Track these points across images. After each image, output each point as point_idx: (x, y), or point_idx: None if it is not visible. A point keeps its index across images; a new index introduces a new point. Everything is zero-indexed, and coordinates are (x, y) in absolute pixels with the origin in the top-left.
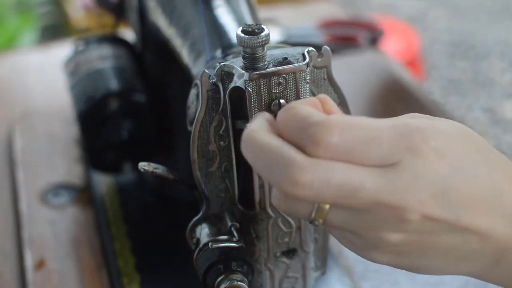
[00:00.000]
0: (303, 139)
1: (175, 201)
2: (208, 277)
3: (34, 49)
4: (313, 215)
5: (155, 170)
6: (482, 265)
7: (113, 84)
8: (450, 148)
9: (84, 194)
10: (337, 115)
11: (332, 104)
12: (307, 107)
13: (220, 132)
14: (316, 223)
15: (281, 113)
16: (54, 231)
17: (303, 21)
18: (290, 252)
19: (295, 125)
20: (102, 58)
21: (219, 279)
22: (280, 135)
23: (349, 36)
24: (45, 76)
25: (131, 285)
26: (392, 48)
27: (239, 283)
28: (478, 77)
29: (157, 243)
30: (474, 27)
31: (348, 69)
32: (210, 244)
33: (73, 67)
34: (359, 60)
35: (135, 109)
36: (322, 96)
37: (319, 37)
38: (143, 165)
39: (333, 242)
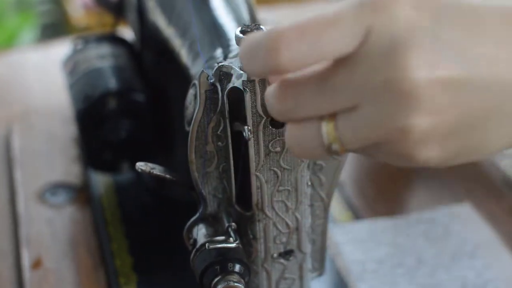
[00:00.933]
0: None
1: (173, 202)
2: (205, 278)
3: (34, 47)
4: (325, 138)
5: (152, 171)
6: None
7: (112, 83)
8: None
9: (82, 194)
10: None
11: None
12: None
13: (218, 132)
14: (334, 147)
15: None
16: (51, 231)
17: None
18: (287, 253)
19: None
20: (101, 57)
21: (216, 280)
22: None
23: None
24: (44, 75)
25: (128, 285)
26: None
27: (235, 284)
28: None
29: (154, 244)
30: None
31: None
32: (207, 244)
33: (71, 66)
34: None
35: (133, 108)
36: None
37: None
38: (140, 165)
39: (330, 242)
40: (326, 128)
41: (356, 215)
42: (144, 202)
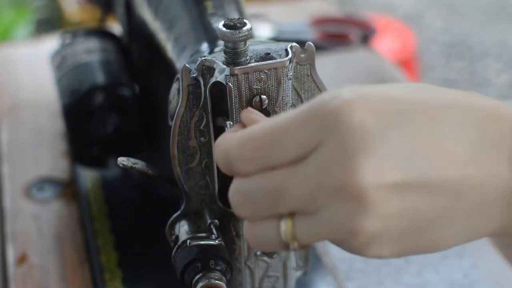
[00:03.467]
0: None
1: (161, 198)
2: (186, 275)
3: (25, 42)
4: (283, 236)
5: (134, 165)
6: (498, 214)
7: (99, 77)
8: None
9: (68, 189)
10: (237, 131)
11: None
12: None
13: (201, 127)
14: (292, 246)
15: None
16: (37, 226)
17: (295, 17)
18: (270, 251)
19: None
20: (89, 51)
21: (197, 277)
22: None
23: (340, 33)
24: (34, 69)
25: (113, 281)
26: (387, 47)
27: (217, 281)
28: (474, 77)
29: (140, 240)
30: (471, 28)
31: (339, 67)
32: (188, 241)
33: (59, 60)
34: (350, 58)
35: (121, 103)
36: (243, 115)
37: (311, 34)
38: (122, 160)
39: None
40: (285, 227)
41: None
42: (131, 198)
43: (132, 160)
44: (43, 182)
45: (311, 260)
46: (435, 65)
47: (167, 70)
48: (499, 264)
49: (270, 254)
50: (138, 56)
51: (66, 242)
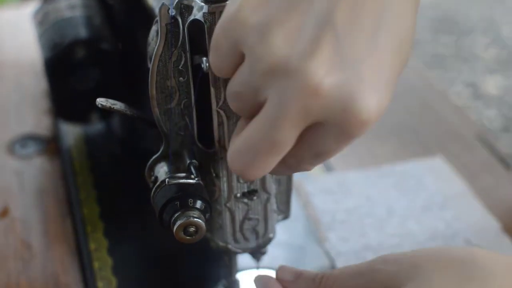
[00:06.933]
0: None
1: (143, 152)
2: (165, 214)
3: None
4: None
5: (113, 106)
6: None
7: (81, 31)
8: None
9: (51, 145)
10: None
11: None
12: None
13: (179, 67)
14: None
15: None
16: (19, 181)
17: None
18: (251, 193)
19: None
20: (71, 7)
21: (175, 215)
22: None
23: None
24: (18, 32)
25: (95, 233)
26: None
27: (195, 219)
28: (461, 52)
29: (122, 194)
30: (458, 3)
31: None
32: (167, 180)
33: (41, 17)
34: None
35: (103, 57)
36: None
37: None
38: (101, 101)
39: (301, 192)
40: None
41: (327, 167)
42: (113, 153)
43: (111, 101)
44: (26, 139)
45: (293, 211)
46: (422, 40)
47: (148, 21)
48: (481, 215)
49: (250, 196)
50: (120, 10)
51: (48, 196)
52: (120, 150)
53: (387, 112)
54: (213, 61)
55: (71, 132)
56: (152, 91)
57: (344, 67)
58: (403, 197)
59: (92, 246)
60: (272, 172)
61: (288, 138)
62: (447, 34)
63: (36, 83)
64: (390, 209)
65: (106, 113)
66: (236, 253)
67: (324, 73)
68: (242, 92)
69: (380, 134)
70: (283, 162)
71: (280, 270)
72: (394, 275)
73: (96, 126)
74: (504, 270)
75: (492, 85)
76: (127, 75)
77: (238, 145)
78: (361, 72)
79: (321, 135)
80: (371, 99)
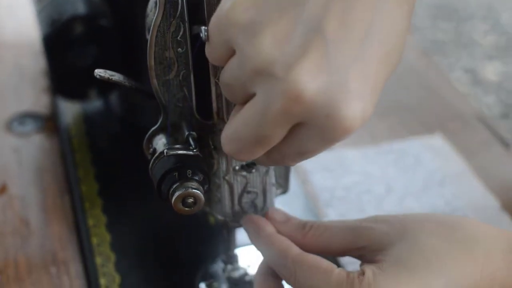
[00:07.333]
0: None
1: (142, 130)
2: (163, 186)
3: None
4: None
5: (111, 77)
6: None
7: (80, 8)
8: None
9: (50, 123)
10: None
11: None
12: None
13: (178, 38)
14: None
15: None
16: (18, 159)
17: None
18: (249, 166)
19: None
20: None
21: (174, 186)
22: None
23: None
24: (17, 13)
25: (93, 209)
26: None
27: (194, 190)
28: (460, 38)
29: (121, 171)
30: None
31: None
32: (165, 151)
33: None
34: None
35: (101, 33)
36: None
37: None
38: (99, 72)
39: (299, 169)
40: None
41: None
42: (112, 131)
43: (110, 72)
44: (24, 117)
45: (292, 188)
46: (422, 26)
47: None
48: (480, 193)
49: (248, 169)
50: None
51: (46, 174)
52: (118, 127)
53: (386, 90)
54: (207, 51)
55: (69, 110)
56: (151, 61)
57: (330, 73)
58: (402, 174)
59: (91, 222)
60: (257, 162)
61: (273, 134)
62: (446, 20)
63: (34, 63)
64: (388, 186)
65: (104, 90)
66: (234, 227)
67: (309, 79)
68: (233, 84)
69: (379, 112)
70: (268, 154)
71: (271, 210)
72: (384, 234)
73: (95, 103)
74: (492, 239)
75: (491, 71)
76: (126, 50)
77: (229, 131)
78: (347, 79)
79: (305, 136)
80: (355, 107)
